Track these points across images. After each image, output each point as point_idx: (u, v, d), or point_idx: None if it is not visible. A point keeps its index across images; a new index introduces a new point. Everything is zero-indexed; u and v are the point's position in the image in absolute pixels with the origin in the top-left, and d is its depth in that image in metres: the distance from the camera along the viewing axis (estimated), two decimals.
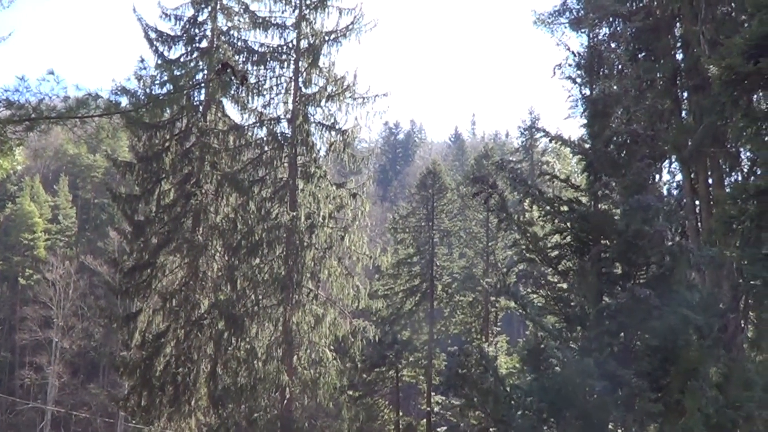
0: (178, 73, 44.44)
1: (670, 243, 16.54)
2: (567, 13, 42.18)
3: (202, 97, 44.75)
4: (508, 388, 16.05)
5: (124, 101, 41.59)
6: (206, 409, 41.79)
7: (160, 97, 42.45)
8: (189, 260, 42.78)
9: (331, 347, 44.23)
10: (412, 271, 67.09)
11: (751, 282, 22.99)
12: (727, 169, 37.23)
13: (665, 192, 40.98)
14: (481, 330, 68.64)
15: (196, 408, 41.41)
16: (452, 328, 69.67)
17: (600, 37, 40.02)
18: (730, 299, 31.36)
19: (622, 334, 16.15)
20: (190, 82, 44.51)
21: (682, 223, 38.41)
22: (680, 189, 39.67)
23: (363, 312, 49.14)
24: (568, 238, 17.18)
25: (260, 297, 42.60)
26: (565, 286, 17.42)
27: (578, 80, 17.87)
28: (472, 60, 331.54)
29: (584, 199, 17.49)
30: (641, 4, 40.14)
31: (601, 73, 18.50)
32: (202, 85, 44.46)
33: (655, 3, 39.08)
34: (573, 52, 17.91)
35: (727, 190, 33.70)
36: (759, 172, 26.01)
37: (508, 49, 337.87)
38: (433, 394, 61.78)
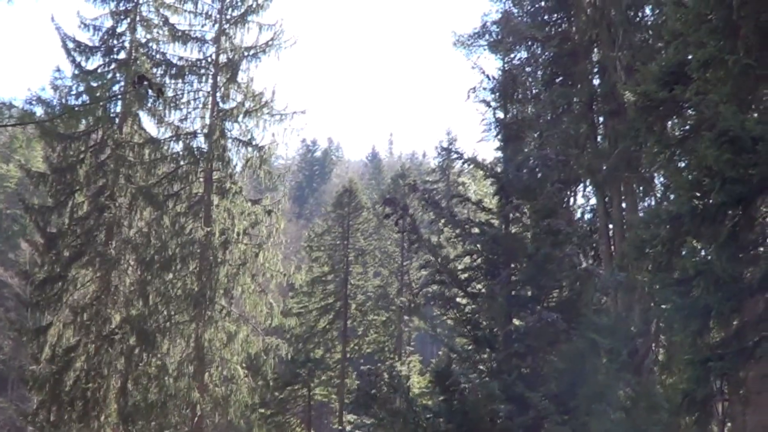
0: (95, 84, 43.89)
1: (579, 267, 16.74)
2: (486, 36, 42.51)
3: (119, 109, 44.08)
4: (417, 409, 16.08)
5: (40, 111, 41.33)
6: (116, 426, 41.14)
7: (76, 108, 42.00)
8: (101, 274, 42.15)
9: (243, 365, 43.98)
10: (327, 290, 67.07)
11: (662, 306, 23.27)
12: (641, 194, 37.77)
13: (579, 215, 41.44)
14: (394, 349, 68.80)
15: (105, 424, 40.76)
16: (365, 347, 69.67)
17: (518, 61, 40.47)
18: (642, 323, 31.79)
19: (531, 356, 16.30)
20: (107, 94, 44.04)
21: (595, 246, 38.90)
22: (594, 213, 40.15)
23: (276, 329, 48.94)
24: (479, 261, 17.29)
25: (172, 313, 42.14)
26: (474, 308, 17.52)
27: (492, 104, 17.90)
28: (391, 80, 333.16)
29: (496, 222, 17.61)
30: (559, 30, 40.62)
31: (515, 97, 18.66)
32: (119, 97, 43.94)
33: (574, 29, 39.57)
34: (488, 76, 18.03)
35: (641, 214, 34.23)
36: (672, 198, 26.40)
37: (428, 69, 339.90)
38: (345, 413, 61.66)
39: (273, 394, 56.14)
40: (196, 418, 41.88)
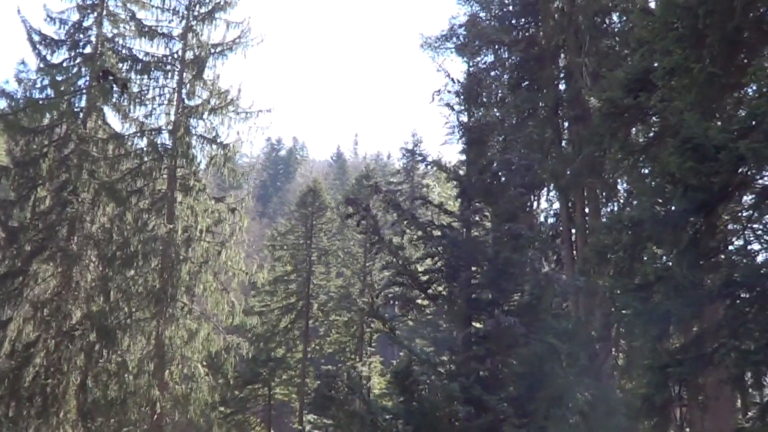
0: (60, 78, 43.45)
1: (540, 271, 16.78)
2: (454, 39, 42.55)
3: (83, 104, 43.74)
4: (375, 410, 16.07)
5: (3, 104, 41.07)
6: (75, 422, 40.81)
7: (40, 102, 41.83)
8: (62, 269, 41.81)
9: (204, 363, 43.84)
10: (289, 289, 66.91)
11: (623, 311, 23.39)
12: (604, 200, 37.95)
13: (542, 220, 41.58)
14: (356, 350, 68.69)
15: (64, 421, 40.41)
16: (327, 347, 69.58)
17: (484, 65, 40.54)
18: (602, 328, 31.94)
19: (490, 360, 16.33)
20: (72, 88, 43.65)
21: (558, 251, 39.04)
22: (557, 217, 40.30)
23: (237, 328, 48.89)
24: (440, 263, 17.31)
25: (134, 309, 41.87)
26: (434, 310, 17.54)
27: (456, 107, 17.91)
28: (357, 80, 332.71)
29: (457, 225, 17.63)
30: (527, 34, 40.75)
31: (480, 101, 18.69)
32: (84, 91, 43.64)
33: (541, 33, 39.73)
34: (452, 79, 18.05)
35: (603, 219, 34.38)
36: (634, 203, 26.57)
37: (394, 71, 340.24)
38: (305, 412, 61.52)
39: (233, 393, 55.94)
40: (156, 416, 41.65)
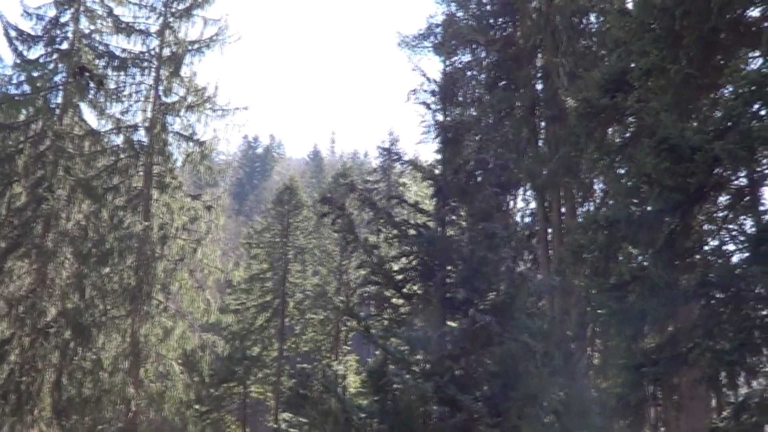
0: (36, 74, 43.24)
1: (515, 271, 16.80)
2: (431, 37, 42.65)
3: (60, 100, 43.47)
4: (349, 409, 16.05)
5: None
6: (49, 420, 40.59)
7: (16, 98, 41.58)
8: (37, 266, 41.56)
9: (179, 361, 43.71)
10: (265, 287, 66.78)
11: (598, 311, 23.48)
12: (580, 199, 38.09)
13: (519, 219, 41.67)
14: (332, 348, 68.67)
15: (39, 418, 40.19)
16: (303, 346, 69.44)
17: (461, 64, 40.61)
18: (577, 327, 32.05)
19: (464, 359, 16.33)
20: (48, 84, 43.45)
21: (534, 250, 39.16)
22: (534, 216, 40.42)
23: (213, 326, 48.76)
24: (414, 262, 17.30)
25: (109, 307, 41.67)
26: (409, 309, 17.52)
27: (432, 106, 17.89)
28: (335, 78, 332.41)
29: (432, 224, 17.62)
30: (504, 34, 40.83)
31: (456, 100, 18.68)
32: (60, 87, 43.43)
33: (519, 33, 39.83)
34: (428, 78, 18.03)
35: (579, 219, 34.49)
36: (610, 203, 26.68)
37: (372, 69, 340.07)
38: (280, 411, 61.45)
39: (209, 391, 55.83)
40: (131, 414, 41.50)
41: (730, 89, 20.93)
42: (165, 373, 43.09)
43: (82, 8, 44.32)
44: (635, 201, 22.57)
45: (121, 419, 41.78)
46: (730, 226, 22.52)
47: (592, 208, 36.91)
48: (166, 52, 45.03)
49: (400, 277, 17.52)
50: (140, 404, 41.95)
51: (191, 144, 44.50)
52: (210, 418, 57.66)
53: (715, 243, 22.86)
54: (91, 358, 40.77)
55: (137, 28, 44.95)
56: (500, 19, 41.36)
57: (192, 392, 45.17)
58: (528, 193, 40.59)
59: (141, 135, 44.41)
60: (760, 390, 20.45)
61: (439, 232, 17.21)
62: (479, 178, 17.73)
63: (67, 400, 39.97)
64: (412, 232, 17.30)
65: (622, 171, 25.59)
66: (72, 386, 40.49)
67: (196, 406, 51.47)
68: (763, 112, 19.70)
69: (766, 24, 21.62)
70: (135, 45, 45.03)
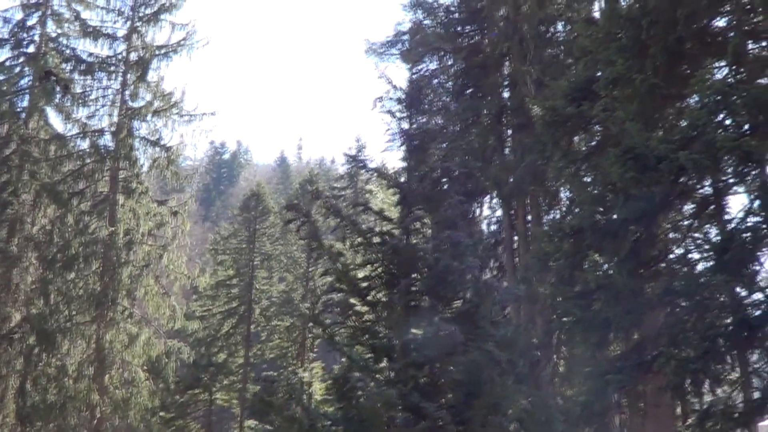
0: (2, 78, 42.99)
1: (479, 279, 16.81)
2: (399, 45, 42.64)
3: (25, 104, 43.27)
4: (314, 416, 16.02)
5: None
6: (13, 426, 40.31)
7: None
8: (2, 271, 41.23)
9: (145, 367, 43.43)
10: (231, 293, 66.53)
11: (564, 318, 23.61)
12: (546, 207, 38.20)
13: (485, 227, 41.71)
14: (298, 355, 68.47)
15: (3, 425, 39.90)
16: (269, 353, 69.14)
17: (428, 72, 40.65)
18: (543, 335, 32.15)
19: (428, 367, 16.33)
20: (14, 88, 43.21)
21: (500, 258, 39.25)
22: (500, 224, 40.50)
23: (178, 332, 48.50)
24: (379, 270, 17.27)
25: (74, 313, 41.41)
26: (374, 316, 17.50)
27: (398, 114, 17.86)
28: (302, 85, 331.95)
29: (397, 232, 17.60)
30: (472, 42, 40.95)
31: (422, 108, 18.65)
32: (26, 91, 43.21)
33: (486, 41, 39.92)
34: (394, 86, 18.00)
35: (545, 227, 34.59)
36: (576, 211, 26.82)
37: (340, 76, 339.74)
38: (245, 418, 61.24)
39: (174, 398, 55.54)
40: (96, 421, 41.22)
41: (696, 99, 21.12)
42: (130, 379, 42.82)
43: (49, 12, 44.15)
44: (601, 209, 22.71)
45: (85, 426, 41.51)
46: (695, 235, 22.69)
47: (558, 217, 36.97)
48: (133, 56, 44.81)
49: (365, 284, 17.49)
50: (105, 411, 41.66)
51: (158, 149, 44.29)
52: (175, 425, 57.39)
53: (680, 251, 23.06)
54: (55, 364, 40.45)
55: (104, 32, 44.69)
56: (468, 27, 41.48)
57: (157, 399, 44.93)
58: (494, 201, 40.67)
59: (107, 140, 44.17)
60: (724, 397, 20.60)
61: (403, 240, 17.19)
62: (445, 186, 17.73)
63: (31, 407, 39.64)
64: (376, 240, 17.26)
65: (588, 179, 25.74)
66: (36, 392, 40.19)
67: (161, 413, 51.17)
68: (728, 122, 19.89)
69: (731, 34, 21.80)
70: (102, 49, 44.83)
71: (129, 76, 44.55)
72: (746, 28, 21.86)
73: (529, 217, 38.08)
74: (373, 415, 15.24)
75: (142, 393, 42.44)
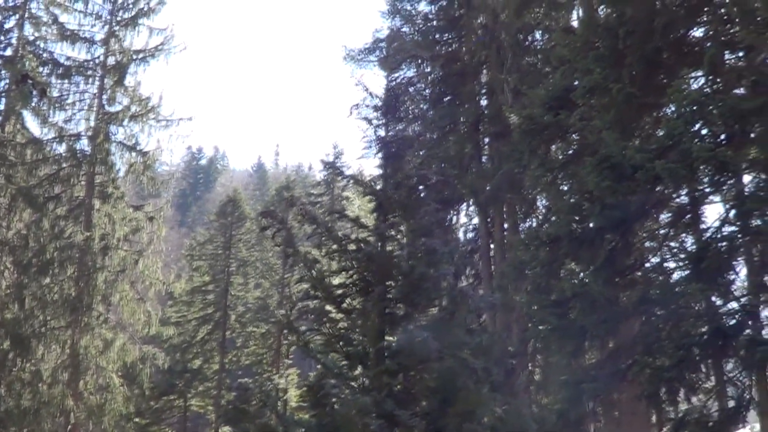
0: None
1: (455, 287, 16.81)
2: (377, 52, 42.72)
3: (2, 107, 43.03)
4: (288, 424, 15.97)
5: None
6: None
7: None
8: None
9: (119, 373, 43.26)
10: (207, 300, 66.31)
11: (539, 327, 23.65)
12: (522, 216, 38.28)
13: (461, 235, 41.76)
14: (273, 362, 68.34)
15: None
16: (244, 359, 68.97)
17: (405, 79, 40.73)
18: (519, 343, 32.20)
19: (402, 374, 16.31)
20: None
21: (476, 266, 39.29)
22: (476, 232, 40.54)
23: (154, 338, 48.36)
24: (354, 277, 17.23)
25: (48, 318, 41.18)
26: (348, 324, 17.47)
27: (374, 121, 17.82)
28: (279, 91, 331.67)
29: (372, 240, 17.58)
30: (449, 49, 41.01)
31: (399, 116, 18.66)
32: (3, 94, 42.98)
33: (464, 49, 39.99)
34: (370, 93, 17.97)
35: (521, 235, 34.65)
36: (552, 220, 26.88)
37: (318, 82, 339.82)
38: (221, 424, 61.07)
39: (148, 404, 55.31)
40: (70, 426, 41.02)
41: (672, 108, 21.20)
42: (105, 385, 42.63)
43: (26, 15, 43.92)
44: (577, 218, 22.77)
45: (60, 431, 41.32)
46: (671, 244, 22.80)
47: (534, 225, 37.06)
48: (111, 60, 44.67)
49: (340, 291, 17.46)
50: (79, 416, 41.46)
51: (134, 154, 44.15)
52: (150, 431, 57.18)
53: (655, 260, 23.16)
54: (30, 369, 40.23)
55: (82, 36, 44.52)
56: (446, 35, 41.56)
57: (132, 405, 44.84)
58: (471, 208, 40.71)
59: (84, 144, 43.97)
60: (699, 406, 20.67)
61: (378, 247, 17.16)
62: (421, 194, 17.71)
63: (5, 412, 39.39)
64: (352, 247, 17.22)
65: (565, 188, 25.80)
66: (10, 398, 39.93)
67: (136, 419, 51.06)
68: (704, 132, 19.99)
69: (708, 44, 21.91)
70: (79, 53, 44.66)
71: (106, 80, 44.39)
72: (723, 38, 21.95)
73: (506, 225, 38.14)
74: (347, 422, 15.20)
75: (117, 399, 42.27)
